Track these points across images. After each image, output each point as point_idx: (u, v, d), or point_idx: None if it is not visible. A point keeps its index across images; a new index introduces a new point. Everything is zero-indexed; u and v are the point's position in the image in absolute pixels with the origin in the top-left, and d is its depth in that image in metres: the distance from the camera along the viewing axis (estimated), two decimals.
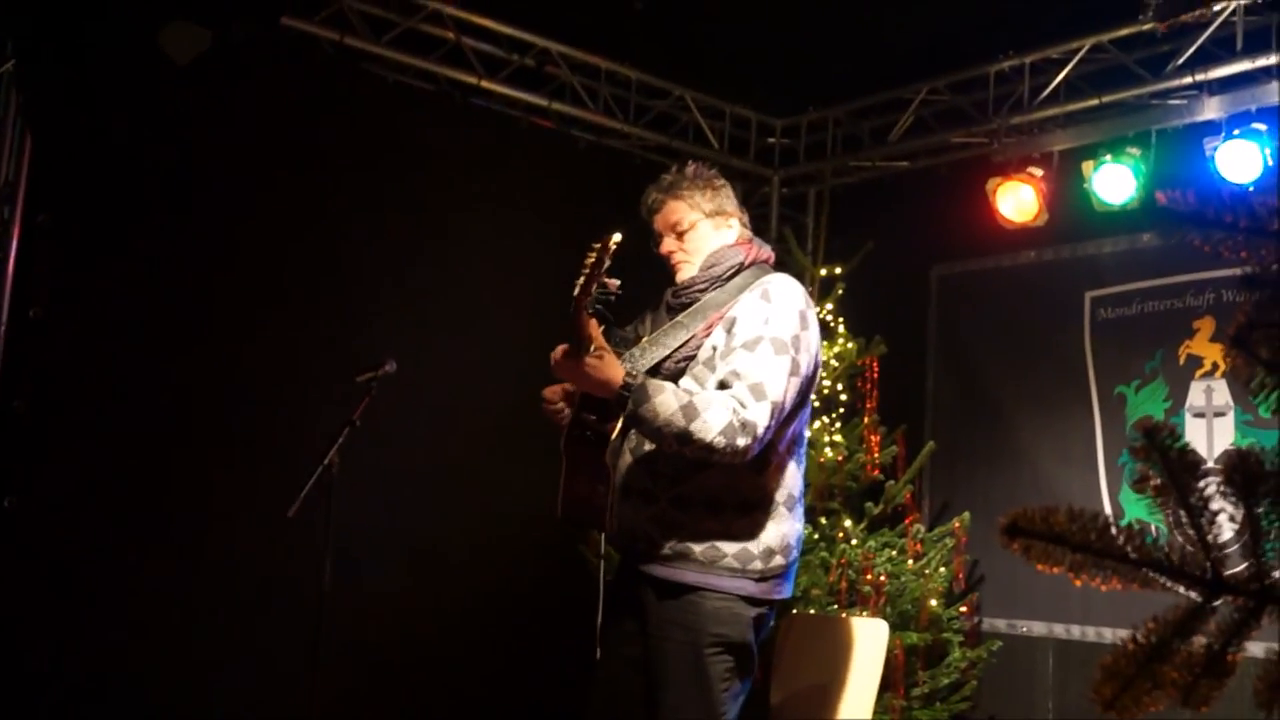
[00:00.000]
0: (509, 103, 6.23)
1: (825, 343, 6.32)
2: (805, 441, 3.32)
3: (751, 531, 3.10)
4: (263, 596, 5.06)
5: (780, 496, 3.15)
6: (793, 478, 3.20)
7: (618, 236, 2.96)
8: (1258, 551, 1.26)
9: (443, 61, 5.97)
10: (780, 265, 7.09)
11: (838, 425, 6.20)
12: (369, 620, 5.28)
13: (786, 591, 3.22)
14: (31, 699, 4.76)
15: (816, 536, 5.93)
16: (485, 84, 6.07)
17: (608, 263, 2.94)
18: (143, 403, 5.08)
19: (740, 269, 3.25)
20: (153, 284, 5.16)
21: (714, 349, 3.11)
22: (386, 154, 5.80)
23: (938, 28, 6.01)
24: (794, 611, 5.42)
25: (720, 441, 2.93)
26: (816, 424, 6.15)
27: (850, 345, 6.30)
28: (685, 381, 3.09)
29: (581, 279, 2.91)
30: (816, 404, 6.29)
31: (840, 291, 6.43)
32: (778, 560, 3.13)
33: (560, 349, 3.04)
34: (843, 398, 6.33)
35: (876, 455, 6.18)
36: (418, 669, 5.59)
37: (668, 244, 3.32)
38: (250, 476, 5.10)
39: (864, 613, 5.62)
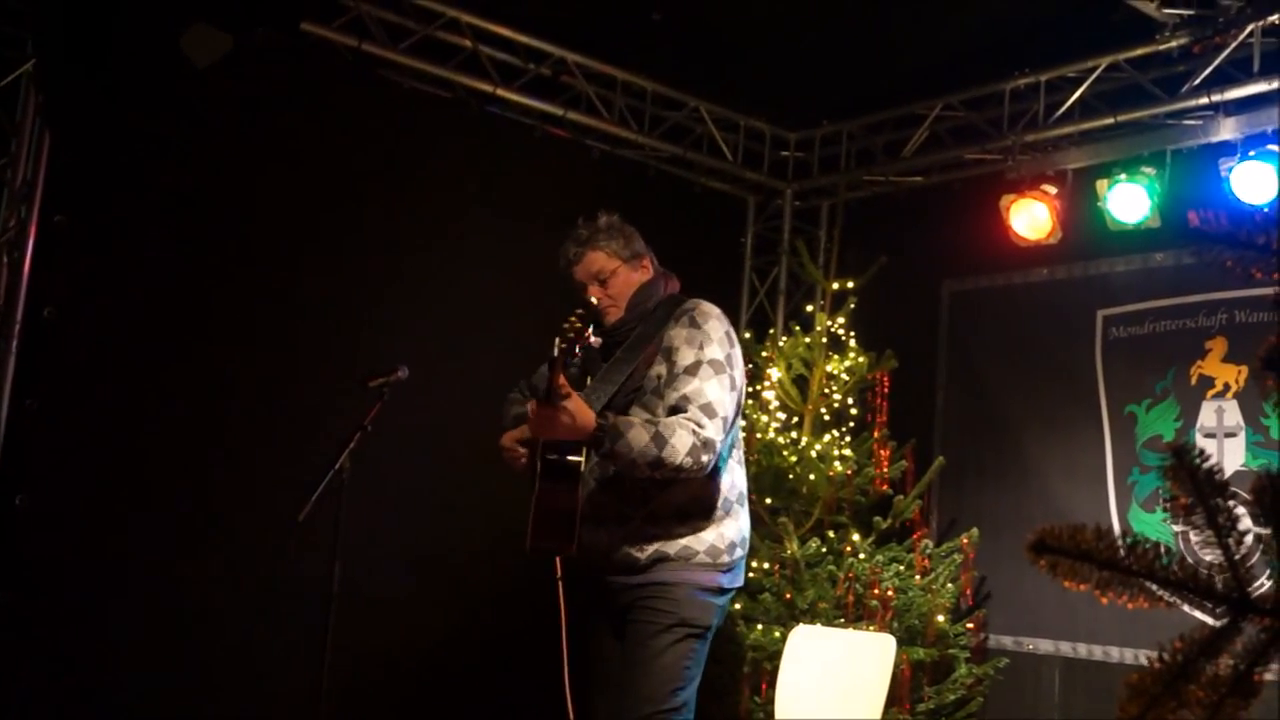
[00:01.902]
0: (524, 111, 6.25)
1: (836, 356, 6.33)
2: (742, 443, 3.73)
3: (716, 531, 3.48)
4: (272, 599, 5.06)
5: (733, 495, 3.55)
6: (739, 477, 3.61)
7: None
8: None
9: (459, 69, 5.99)
10: (792, 278, 7.15)
11: (847, 439, 6.20)
12: (378, 624, 5.27)
13: (741, 580, 3.62)
14: (39, 698, 4.76)
15: (824, 550, 5.92)
16: (501, 92, 6.08)
17: (591, 330, 3.25)
18: (155, 404, 5.09)
19: (661, 301, 3.61)
20: (167, 286, 5.17)
21: (658, 378, 3.45)
22: (401, 160, 5.81)
23: (953, 44, 6.02)
24: (801, 625, 5.41)
25: (688, 462, 3.30)
26: (826, 437, 6.15)
27: (861, 359, 6.30)
28: (635, 411, 3.42)
29: (564, 343, 3.19)
30: (827, 417, 6.30)
31: (852, 305, 6.43)
32: (738, 552, 3.56)
33: (532, 404, 3.33)
34: (853, 412, 6.32)
35: (885, 470, 6.18)
36: (426, 673, 5.59)
37: (593, 291, 3.59)
38: (262, 479, 5.11)
39: (871, 627, 5.61)
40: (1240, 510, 1.31)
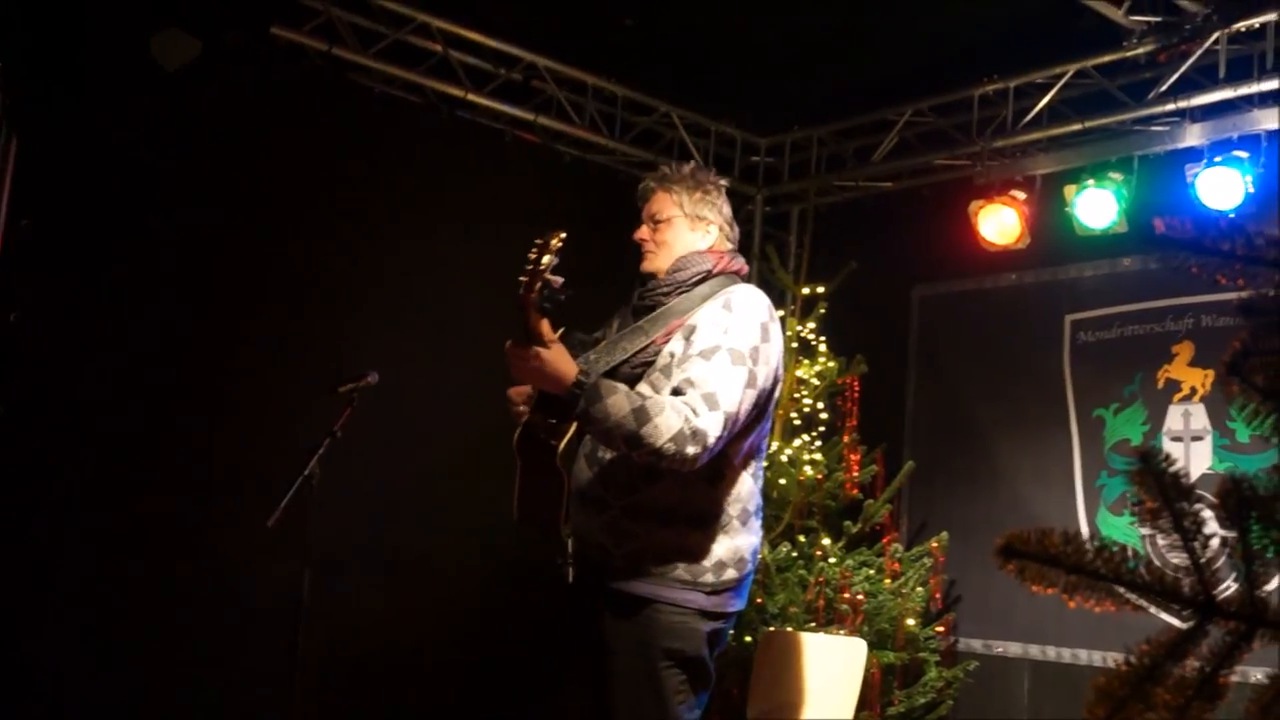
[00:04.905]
0: (494, 116, 6.25)
1: (806, 361, 6.34)
2: (764, 455, 3.32)
3: (703, 544, 3.10)
4: (242, 606, 5.03)
5: (734, 510, 3.15)
6: (747, 491, 3.20)
7: (562, 234, 2.97)
8: (1249, 575, 1.28)
9: (430, 74, 5.98)
10: (763, 283, 7.14)
11: (818, 444, 6.22)
12: (348, 631, 5.26)
13: (739, 604, 3.22)
14: (4, 704, 4.72)
15: (795, 554, 5.94)
16: (471, 97, 6.08)
17: (550, 259, 2.94)
18: (123, 409, 5.05)
19: (707, 276, 3.25)
20: (134, 290, 5.14)
21: (671, 356, 3.11)
22: (371, 165, 5.79)
23: (923, 50, 6.05)
24: (772, 629, 5.42)
25: (670, 448, 2.92)
26: (797, 442, 6.17)
27: (831, 364, 6.32)
28: (641, 387, 3.08)
29: (525, 276, 2.93)
30: (797, 421, 6.30)
31: (822, 310, 6.45)
32: (730, 573, 3.13)
33: (509, 343, 3.03)
34: (823, 416, 6.34)
35: (856, 474, 6.20)
36: (397, 680, 5.57)
37: (643, 231, 3.35)
38: (230, 486, 5.07)
39: (841, 631, 5.62)
40: (1206, 514, 1.33)
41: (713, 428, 2.96)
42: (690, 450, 2.94)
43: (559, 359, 2.99)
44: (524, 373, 3.05)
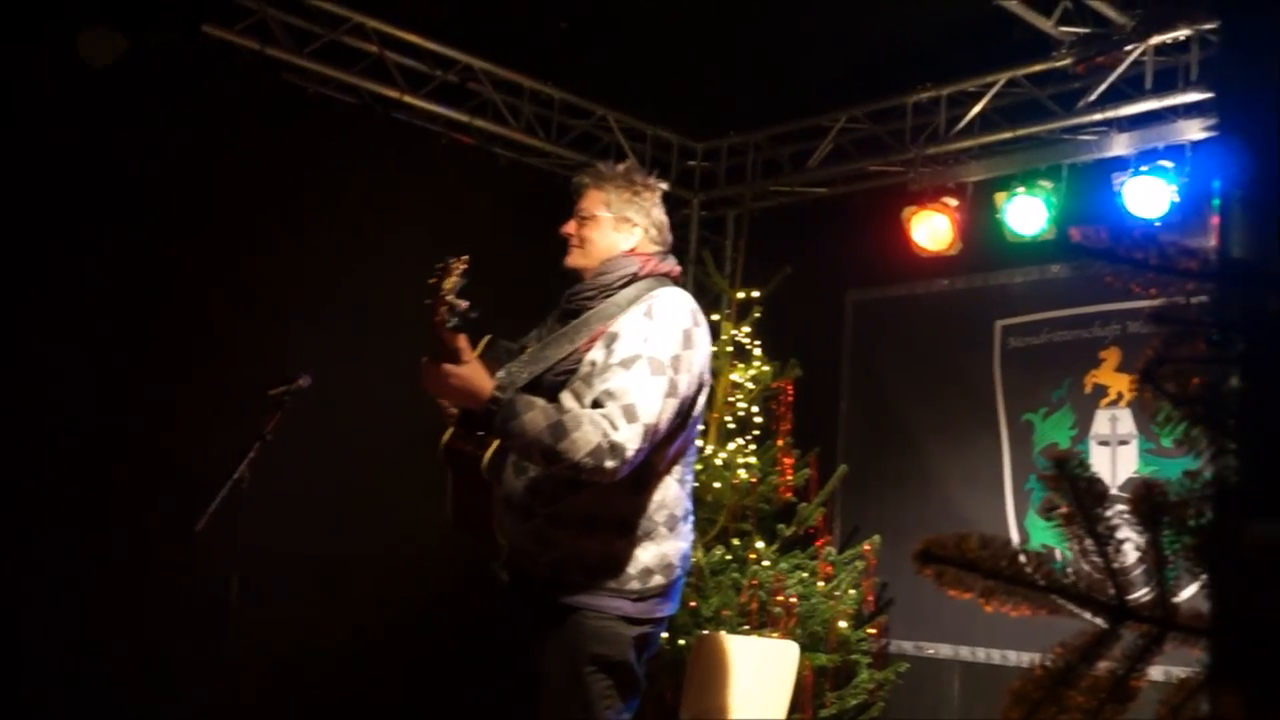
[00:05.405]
0: (430, 118, 6.22)
1: (741, 365, 6.37)
2: (692, 459, 3.31)
3: (627, 551, 3.08)
4: (169, 612, 4.97)
5: (659, 517, 3.13)
6: (673, 497, 3.18)
7: (465, 258, 2.99)
8: (1160, 579, 1.30)
9: (365, 75, 5.94)
10: (698, 287, 7.15)
11: (752, 447, 6.25)
12: (276, 635, 5.20)
13: (669, 609, 3.21)
14: None
15: (729, 558, 5.96)
16: (407, 99, 6.05)
17: (455, 281, 2.95)
18: (51, 412, 4.97)
19: (633, 279, 3.21)
20: (62, 292, 5.05)
21: (593, 364, 3.07)
22: (305, 166, 5.74)
23: (858, 57, 6.10)
24: (705, 632, 5.44)
25: (587, 462, 2.91)
26: (731, 445, 6.19)
27: (766, 368, 6.36)
28: (564, 396, 3.05)
29: (428, 300, 2.94)
30: (732, 425, 6.33)
31: (757, 315, 6.48)
32: (657, 580, 3.11)
33: (424, 359, 3.03)
34: (757, 420, 6.37)
35: (789, 478, 6.24)
36: (325, 685, 5.52)
37: (569, 225, 3.32)
38: (159, 490, 5.00)
39: (775, 634, 5.65)
40: (1122, 519, 1.35)
41: (631, 441, 2.95)
42: (609, 464, 2.93)
43: (474, 375, 2.99)
44: (439, 390, 3.05)
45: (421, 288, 2.96)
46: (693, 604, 5.81)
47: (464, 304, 2.97)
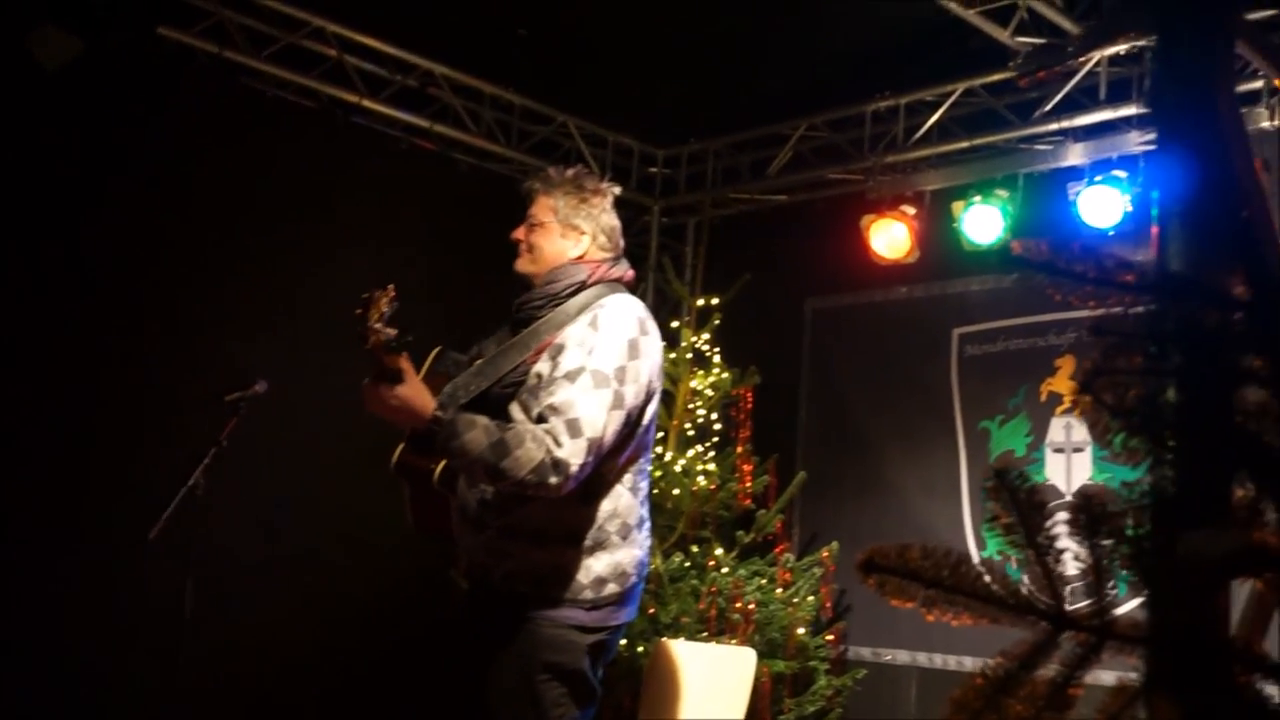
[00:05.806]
0: (390, 123, 6.20)
1: (700, 372, 6.38)
2: (646, 466, 3.28)
3: (580, 561, 3.07)
4: (123, 622, 4.92)
5: (612, 526, 3.12)
6: (626, 505, 3.15)
7: (391, 290, 2.99)
8: (1100, 588, 1.32)
9: (324, 79, 5.92)
10: (658, 294, 7.15)
11: (711, 454, 6.26)
12: (230, 642, 5.16)
13: (625, 616, 3.20)
14: None
15: (688, 565, 5.97)
16: (367, 103, 6.03)
17: (383, 311, 2.96)
18: (2, 417, 4.92)
19: (582, 287, 3.20)
20: (14, 296, 5.00)
21: (539, 377, 3.06)
22: (264, 170, 5.70)
23: (818, 66, 6.14)
24: (663, 639, 5.44)
25: (531, 479, 2.90)
26: (690, 452, 6.20)
27: (725, 375, 6.37)
28: (512, 408, 3.06)
29: (359, 330, 2.94)
30: (691, 432, 6.34)
31: (717, 322, 6.50)
32: (611, 588, 3.10)
33: (366, 381, 3.02)
34: (716, 427, 6.39)
35: (748, 484, 6.25)
36: (280, 693, 5.48)
37: (519, 230, 3.30)
38: (113, 497, 4.96)
39: (733, 641, 5.66)
40: (1061, 529, 1.37)
41: (575, 456, 2.94)
42: (552, 480, 2.92)
43: (414, 396, 2.97)
44: (380, 411, 3.03)
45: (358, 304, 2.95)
46: (651, 611, 5.81)
47: (393, 332, 2.97)
